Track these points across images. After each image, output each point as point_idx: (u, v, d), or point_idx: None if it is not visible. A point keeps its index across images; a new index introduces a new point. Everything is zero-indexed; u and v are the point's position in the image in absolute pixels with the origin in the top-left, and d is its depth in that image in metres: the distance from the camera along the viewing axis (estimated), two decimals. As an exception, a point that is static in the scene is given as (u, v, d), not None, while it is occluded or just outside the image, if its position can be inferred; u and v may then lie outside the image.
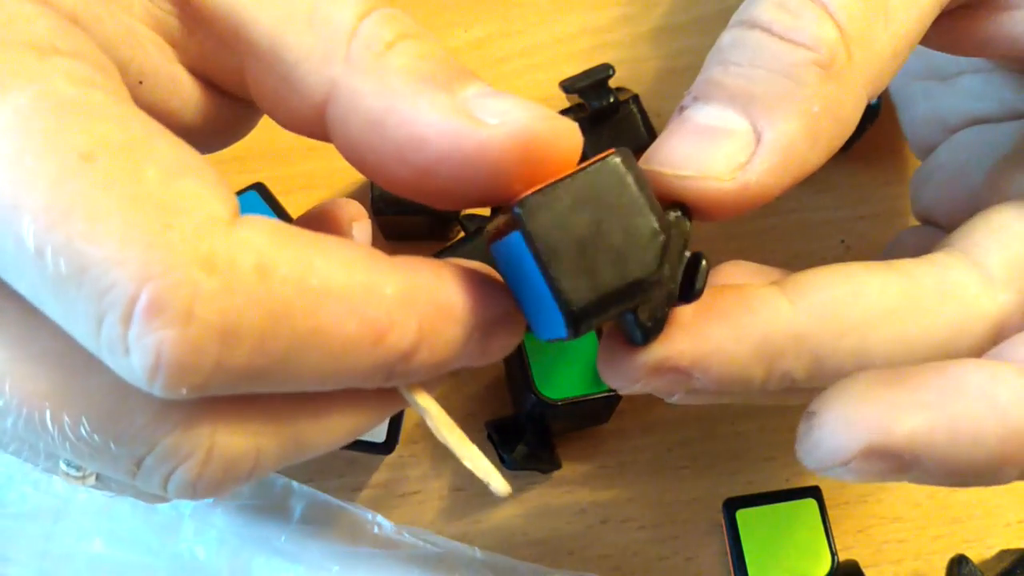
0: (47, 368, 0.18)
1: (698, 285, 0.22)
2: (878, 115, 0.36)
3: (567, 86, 0.35)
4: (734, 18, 0.24)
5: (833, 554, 0.32)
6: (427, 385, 0.22)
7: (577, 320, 0.20)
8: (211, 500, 0.33)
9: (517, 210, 0.20)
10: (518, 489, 0.35)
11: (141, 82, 0.21)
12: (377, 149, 0.20)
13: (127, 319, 0.16)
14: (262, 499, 0.33)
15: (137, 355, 0.17)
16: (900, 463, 0.21)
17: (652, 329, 0.22)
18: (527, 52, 0.40)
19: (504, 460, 0.34)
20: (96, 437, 0.19)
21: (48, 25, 0.19)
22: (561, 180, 0.20)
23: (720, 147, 0.22)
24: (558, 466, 0.35)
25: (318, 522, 0.33)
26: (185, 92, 0.22)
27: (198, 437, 0.19)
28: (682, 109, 0.23)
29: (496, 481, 0.21)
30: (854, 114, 0.23)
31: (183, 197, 0.17)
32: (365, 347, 0.19)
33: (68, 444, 0.19)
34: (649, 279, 0.21)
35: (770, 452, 0.36)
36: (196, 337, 0.17)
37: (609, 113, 0.36)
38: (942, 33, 0.26)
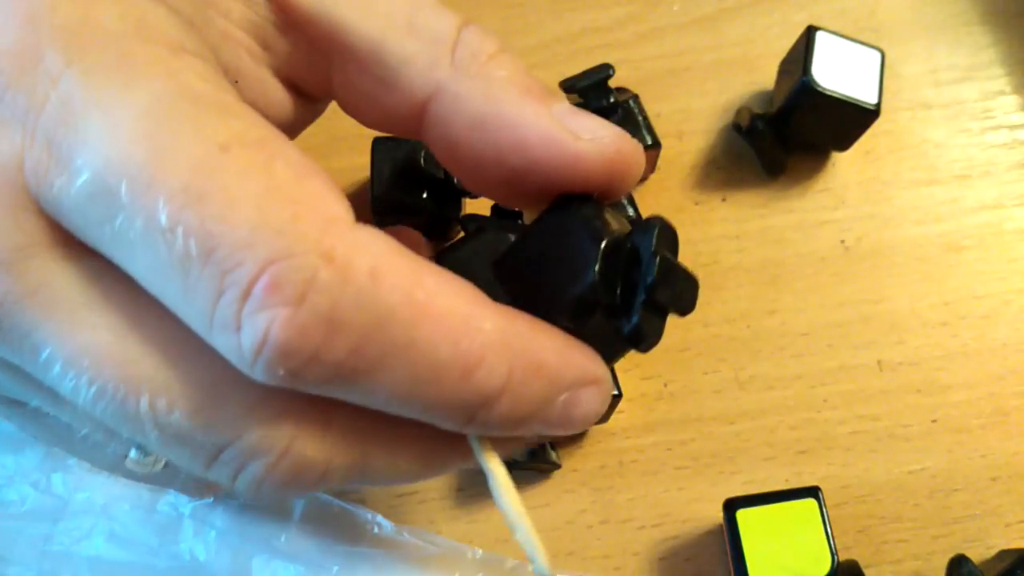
0: (150, 353, 0.19)
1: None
2: (878, 115, 0.36)
3: (567, 86, 0.35)
4: None
5: (833, 554, 0.32)
6: (497, 445, 0.22)
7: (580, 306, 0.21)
8: (211, 500, 0.33)
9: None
10: (518, 489, 0.35)
11: (237, 81, 0.22)
12: (477, 149, 0.22)
13: (245, 296, 0.17)
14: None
15: (248, 330, 0.18)
16: None
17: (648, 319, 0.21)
18: (527, 52, 0.40)
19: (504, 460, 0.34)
20: (187, 423, 0.19)
21: (176, 26, 0.20)
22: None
23: None
24: (558, 466, 0.35)
25: (318, 522, 0.33)
26: (270, 93, 0.24)
27: (279, 437, 0.20)
28: None
29: (541, 560, 0.21)
30: None
31: (310, 195, 0.18)
32: (453, 376, 0.19)
33: (157, 430, 0.19)
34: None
35: (770, 452, 0.36)
36: (304, 320, 0.17)
37: (609, 113, 0.36)
38: None
